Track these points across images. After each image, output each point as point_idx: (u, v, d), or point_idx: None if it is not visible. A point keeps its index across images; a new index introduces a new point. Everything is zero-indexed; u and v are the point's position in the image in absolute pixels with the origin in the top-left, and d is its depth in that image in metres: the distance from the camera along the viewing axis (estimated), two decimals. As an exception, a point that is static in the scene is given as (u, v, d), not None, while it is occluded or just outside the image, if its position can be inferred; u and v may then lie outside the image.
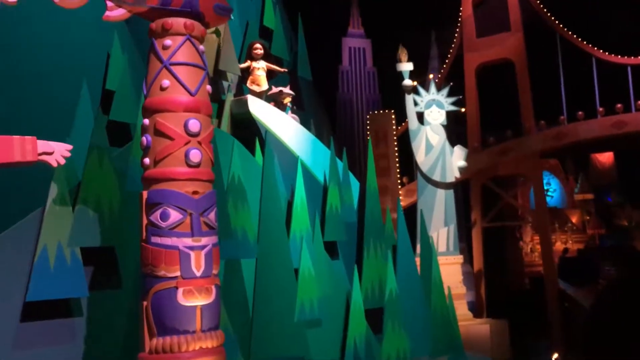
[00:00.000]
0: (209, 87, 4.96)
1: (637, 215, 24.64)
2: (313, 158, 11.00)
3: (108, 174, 6.02)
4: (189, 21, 4.81)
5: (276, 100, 10.98)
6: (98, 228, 5.90)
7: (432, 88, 16.01)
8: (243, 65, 10.39)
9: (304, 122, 15.81)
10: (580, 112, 16.88)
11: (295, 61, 15.74)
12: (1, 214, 5.63)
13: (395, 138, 18.71)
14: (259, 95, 10.14)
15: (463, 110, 17.02)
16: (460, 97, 16.70)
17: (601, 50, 17.28)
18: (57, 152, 4.64)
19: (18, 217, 5.66)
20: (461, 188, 19.69)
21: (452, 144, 17.74)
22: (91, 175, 5.91)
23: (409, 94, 15.81)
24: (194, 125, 4.66)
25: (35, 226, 5.58)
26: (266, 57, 10.59)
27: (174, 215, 4.51)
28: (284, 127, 10.22)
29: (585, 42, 17.41)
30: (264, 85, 10.21)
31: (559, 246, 22.97)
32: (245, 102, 9.59)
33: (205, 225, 4.67)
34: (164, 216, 4.50)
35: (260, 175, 8.01)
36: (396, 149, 18.63)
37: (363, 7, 23.46)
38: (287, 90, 10.98)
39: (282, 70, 10.89)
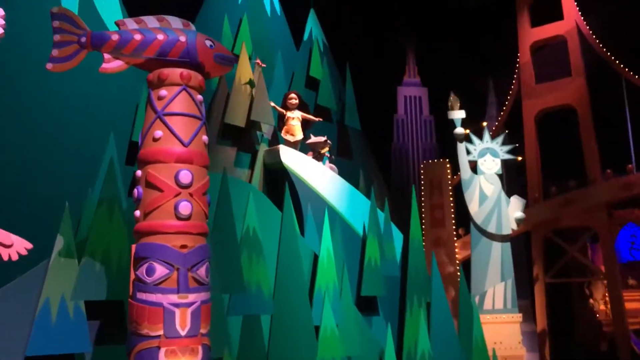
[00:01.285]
0: (205, 138, 4.87)
1: None
2: (351, 209, 10.74)
3: (117, 226, 5.99)
4: (185, 71, 4.78)
5: (314, 150, 10.89)
6: (105, 281, 5.83)
7: (486, 136, 15.50)
8: (278, 108, 10.39)
9: (352, 172, 15.71)
10: (650, 160, 15.86)
11: (344, 110, 15.75)
12: (7, 265, 5.66)
13: (450, 188, 18.12)
14: (293, 145, 10.08)
15: (520, 159, 16.36)
16: (517, 145, 16.09)
17: (672, 94, 16.30)
18: (15, 246, 4.62)
19: (26, 268, 5.68)
20: (524, 241, 18.77)
21: (517, 194, 17.10)
22: (100, 227, 5.90)
23: (461, 142, 15.37)
24: (185, 176, 4.55)
25: (40, 278, 5.57)
26: (301, 106, 10.57)
27: (160, 270, 4.37)
28: (319, 177, 10.07)
29: (654, 86, 16.48)
30: (299, 135, 10.15)
31: (645, 306, 21.23)
32: (278, 152, 9.54)
33: (193, 281, 4.49)
34: (150, 271, 4.36)
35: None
36: (451, 199, 18.04)
37: (419, 56, 23.41)
38: (324, 139, 10.88)
39: (316, 119, 10.83)
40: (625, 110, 16.63)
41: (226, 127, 9.52)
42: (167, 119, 4.66)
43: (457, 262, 17.36)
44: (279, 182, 9.66)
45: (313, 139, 10.95)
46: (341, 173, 14.56)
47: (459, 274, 17.08)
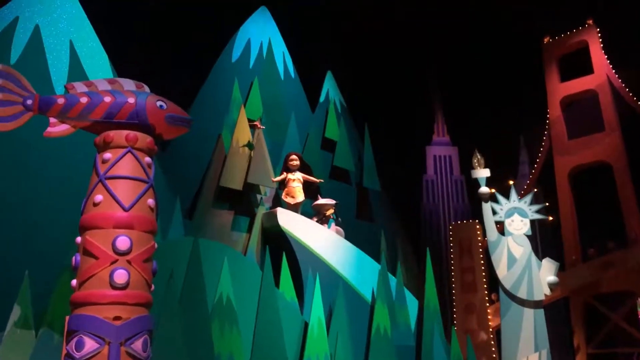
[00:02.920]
0: (151, 202, 4.71)
1: None
2: (359, 274, 10.38)
3: (80, 295, 5.80)
4: (131, 133, 4.69)
5: (319, 213, 10.68)
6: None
7: (513, 195, 14.96)
8: (278, 178, 10.26)
9: (373, 235, 15.32)
10: (694, 219, 14.87)
11: (362, 172, 15.56)
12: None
13: (481, 250, 17.40)
14: (294, 207, 9.90)
15: (551, 218, 15.62)
16: (547, 204, 15.42)
17: None
18: None
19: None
20: (564, 308, 17.70)
21: (552, 257, 16.24)
22: (61, 296, 5.74)
23: (486, 202, 14.86)
24: (123, 242, 4.38)
25: (-7, 350, 5.40)
26: (303, 168, 10.43)
27: (90, 345, 4.14)
28: (321, 240, 9.78)
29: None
30: (299, 197, 9.97)
31: None
32: (275, 215, 9.35)
33: (127, 356, 4.22)
34: (79, 345, 4.14)
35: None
36: (482, 262, 17.29)
37: (448, 114, 23.17)
38: (330, 201, 10.67)
39: (318, 181, 10.65)
40: (664, 166, 15.82)
41: (223, 190, 9.42)
42: (108, 182, 4.56)
43: (491, 329, 16.44)
44: (279, 247, 9.42)
45: (319, 201, 10.75)
46: (361, 236, 14.26)
47: (492, 342, 16.21)
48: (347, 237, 12.30)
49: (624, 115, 16.75)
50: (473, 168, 15.50)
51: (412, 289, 15.95)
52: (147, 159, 4.85)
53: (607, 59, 17.29)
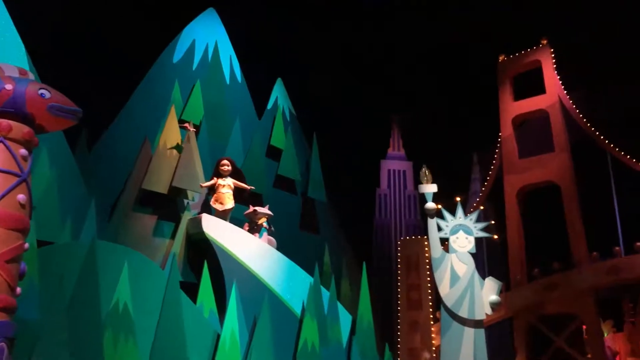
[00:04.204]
0: (21, 197, 4.39)
1: None
2: (288, 286, 10.13)
3: None
4: (4, 122, 4.37)
5: (251, 221, 10.43)
6: None
7: (459, 212, 14.92)
8: (208, 183, 9.97)
9: (317, 247, 15.07)
10: (638, 243, 15.00)
11: (309, 182, 15.34)
12: None
13: (428, 267, 17.33)
14: (222, 214, 9.62)
15: (496, 237, 15.64)
16: (492, 222, 15.44)
17: (660, 172, 15.69)
18: None
19: None
20: (509, 328, 17.72)
21: (499, 276, 16.22)
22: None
23: (432, 217, 14.79)
24: (-19, 240, 4.03)
25: None
26: (235, 174, 10.17)
27: None
28: (249, 249, 9.50)
29: (640, 163, 15.92)
30: (229, 204, 9.70)
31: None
32: (200, 222, 9.05)
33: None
34: None
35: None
36: (429, 279, 17.21)
37: (404, 129, 23.21)
38: (263, 210, 10.44)
39: (249, 188, 10.38)
40: (611, 189, 15.98)
41: (146, 193, 9.08)
42: (-26, 175, 4.23)
43: (434, 348, 16.33)
44: (204, 255, 9.13)
45: (250, 209, 10.50)
46: (304, 248, 14.02)
47: (434, 362, 16.09)
48: (289, 248, 12.05)
49: (574, 136, 16.94)
50: (420, 182, 15.48)
51: (356, 305, 15.79)
52: (23, 151, 4.54)
53: (560, 79, 17.50)
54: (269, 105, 15.14)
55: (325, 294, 10.90)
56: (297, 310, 10.06)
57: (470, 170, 20.62)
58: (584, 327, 15.70)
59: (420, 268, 17.33)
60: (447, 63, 21.73)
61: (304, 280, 10.53)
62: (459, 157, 21.01)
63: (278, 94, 15.58)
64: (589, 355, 15.23)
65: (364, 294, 11.17)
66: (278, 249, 11.07)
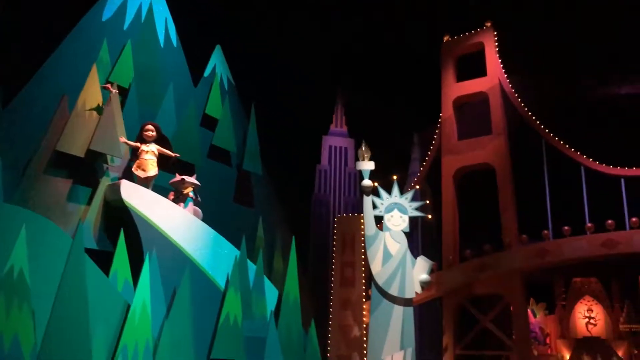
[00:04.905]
0: None
1: None
2: (213, 258, 9.92)
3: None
4: None
5: (176, 190, 10.14)
6: None
7: (395, 190, 14.99)
8: (130, 143, 9.60)
9: (251, 221, 14.87)
10: (566, 227, 15.44)
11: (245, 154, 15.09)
12: None
13: (363, 245, 17.41)
14: (144, 181, 9.28)
15: (430, 217, 15.82)
16: (427, 202, 15.60)
17: (591, 159, 16.08)
18: None
19: None
20: (439, 308, 18.04)
21: (433, 256, 16.43)
22: None
23: (368, 195, 14.81)
24: None
25: None
26: (160, 140, 9.82)
27: None
28: (171, 219, 9.22)
29: (574, 150, 16.27)
30: (151, 171, 9.37)
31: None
32: (118, 188, 8.70)
33: None
34: None
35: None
36: (363, 256, 17.31)
37: (348, 106, 23.11)
38: (190, 179, 10.15)
39: (174, 155, 10.06)
40: (544, 174, 16.34)
41: (61, 156, 8.65)
42: None
43: (365, 325, 16.47)
44: (124, 222, 8.81)
45: (177, 178, 10.20)
46: (237, 221, 13.78)
47: (365, 339, 16.23)
48: (221, 221, 11.82)
49: (512, 120, 17.21)
50: (358, 159, 15.45)
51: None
52: None
53: (501, 62, 17.69)
54: (206, 73, 14.74)
55: (252, 268, 10.76)
56: (221, 284, 9.88)
57: (410, 151, 20.76)
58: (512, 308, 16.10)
59: (356, 246, 17.39)
60: (392, 41, 21.67)
61: (231, 253, 10.36)
62: (401, 136, 21.10)
63: (216, 62, 15.17)
64: (514, 337, 15.65)
65: (292, 269, 11.10)
66: (209, 221, 10.84)
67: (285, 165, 20.43)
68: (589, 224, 15.32)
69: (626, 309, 24.90)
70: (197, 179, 12.46)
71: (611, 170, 15.85)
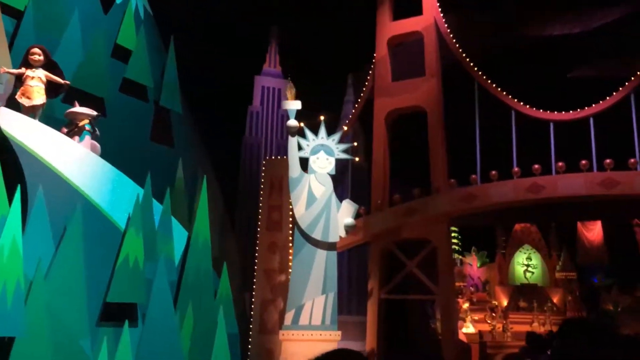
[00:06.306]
0: None
1: (624, 299, 23.35)
2: (112, 197, 9.32)
3: None
4: None
5: (71, 122, 9.43)
6: None
7: (322, 132, 14.61)
8: (13, 71, 8.79)
9: (170, 161, 14.24)
10: (493, 172, 15.44)
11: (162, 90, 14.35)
12: None
13: (291, 189, 17.07)
14: (29, 110, 8.53)
15: (357, 159, 15.55)
16: (354, 144, 15.30)
17: (522, 103, 16.02)
18: None
19: None
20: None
21: (363, 201, 16.22)
22: None
23: (293, 136, 14.40)
24: None
25: None
26: (49, 66, 9.03)
27: None
28: (60, 153, 8.55)
29: (506, 94, 16.16)
30: (37, 99, 8.61)
31: (536, 327, 21.26)
32: (-4, 116, 7.96)
33: None
34: None
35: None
36: (290, 201, 17.00)
37: (282, 44, 22.35)
38: (86, 110, 9.43)
39: (63, 82, 9.29)
40: (475, 118, 16.21)
41: None
42: None
43: (290, 270, 16.29)
44: (5, 154, 8.10)
45: (73, 109, 9.48)
46: (155, 161, 13.13)
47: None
48: (136, 159, 11.19)
49: (446, 62, 16.92)
50: (284, 98, 14.96)
51: (215, 224, 15.27)
52: None
53: (438, 1, 17.23)
54: (119, 0, 13.76)
55: (158, 208, 10.26)
56: (122, 224, 9.34)
57: (344, 92, 20.31)
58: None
59: (283, 189, 17.06)
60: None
61: (134, 192, 9.78)
62: (336, 77, 20.58)
63: (131, -12, 14.18)
64: (439, 282, 15.76)
65: (202, 210, 10.65)
66: (121, 159, 10.22)
67: (214, 105, 19.72)
68: (516, 169, 15.37)
69: (563, 257, 25.93)
70: (107, 113, 11.72)
71: (541, 114, 15.86)
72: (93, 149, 9.37)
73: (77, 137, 9.26)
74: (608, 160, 14.50)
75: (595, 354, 2.50)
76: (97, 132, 9.63)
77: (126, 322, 8.27)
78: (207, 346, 9.36)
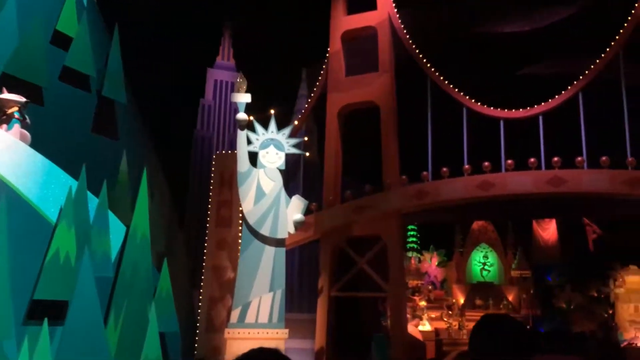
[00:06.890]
0: None
1: (577, 298, 23.81)
2: (42, 189, 8.89)
3: None
4: None
5: (0, 109, 8.97)
6: None
7: (272, 126, 14.34)
8: None
9: (114, 154, 13.77)
10: (444, 169, 15.45)
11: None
12: None
13: (241, 183, 16.76)
14: (-48, 97, 8.06)
15: (307, 154, 15.37)
16: (305, 139, 15.09)
17: (473, 100, 16.08)
18: None
19: None
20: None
21: (314, 198, 16.01)
22: None
23: (242, 129, 14.13)
24: None
25: None
26: (-26, 49, 8.57)
27: None
28: (-17, 141, 8.11)
29: (458, 91, 16.20)
30: (-40, 85, 8.12)
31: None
32: None
33: None
34: None
35: None
36: (241, 196, 16.70)
37: (236, 37, 21.99)
38: (15, 97, 8.98)
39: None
40: (427, 114, 16.20)
41: None
42: None
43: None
44: None
45: (1, 95, 9.02)
46: (98, 154, 12.67)
47: (239, 281, 15.78)
48: (76, 151, 10.75)
49: (399, 57, 16.85)
50: (235, 91, 14.67)
51: (162, 220, 14.88)
52: None
53: (392, -3, 17.17)
54: (61, -17, 13.25)
55: (93, 201, 9.85)
56: (53, 217, 8.92)
57: (298, 87, 20.09)
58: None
59: (234, 184, 16.70)
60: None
61: (67, 184, 9.35)
62: (289, 72, 20.35)
63: (75, -28, 13.67)
64: (389, 279, 15.69)
65: (141, 203, 10.28)
66: (60, 150, 9.79)
67: (165, 98, 19.27)
68: (467, 166, 15.42)
69: (518, 256, 26.33)
70: (45, 102, 11.23)
71: (491, 111, 15.95)
72: (22, 138, 8.93)
73: (4, 125, 8.82)
74: (556, 159, 14.66)
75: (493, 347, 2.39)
76: (28, 120, 9.18)
77: (45, 320, 7.90)
78: (138, 345, 9.02)
